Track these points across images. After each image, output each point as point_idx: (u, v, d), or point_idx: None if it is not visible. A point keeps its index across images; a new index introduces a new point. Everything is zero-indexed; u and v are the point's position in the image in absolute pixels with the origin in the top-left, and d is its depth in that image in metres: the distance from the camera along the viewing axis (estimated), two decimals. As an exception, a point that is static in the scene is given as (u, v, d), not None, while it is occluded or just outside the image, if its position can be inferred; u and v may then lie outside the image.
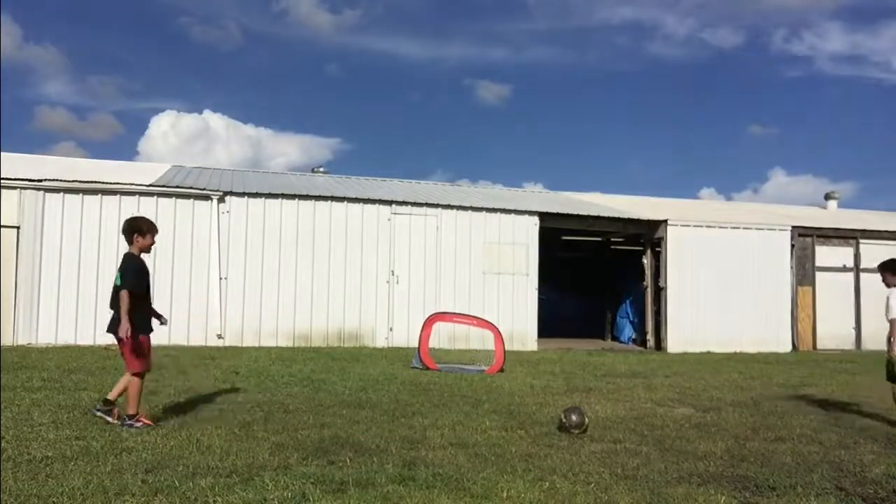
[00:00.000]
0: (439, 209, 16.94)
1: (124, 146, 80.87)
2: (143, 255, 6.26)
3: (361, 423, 6.50)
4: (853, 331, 19.69)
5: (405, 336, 15.90)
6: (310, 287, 15.82)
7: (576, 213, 18.24)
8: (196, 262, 15.15)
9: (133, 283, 6.01)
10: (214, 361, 11.50)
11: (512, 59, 71.12)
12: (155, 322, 6.38)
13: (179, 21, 67.91)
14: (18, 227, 14.31)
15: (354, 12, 72.42)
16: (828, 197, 26.17)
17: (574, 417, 6.37)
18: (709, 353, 17.38)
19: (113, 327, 6.00)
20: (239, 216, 15.57)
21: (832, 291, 19.59)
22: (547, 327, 17.96)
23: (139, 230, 6.22)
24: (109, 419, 6.02)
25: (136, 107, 70.38)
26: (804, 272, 19.48)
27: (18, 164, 15.92)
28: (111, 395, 6.17)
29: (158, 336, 14.79)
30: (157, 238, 6.43)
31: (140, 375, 6.10)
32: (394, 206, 16.63)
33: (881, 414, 7.83)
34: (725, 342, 18.04)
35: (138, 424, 5.95)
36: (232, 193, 15.64)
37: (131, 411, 6.02)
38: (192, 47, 70.32)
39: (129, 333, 5.88)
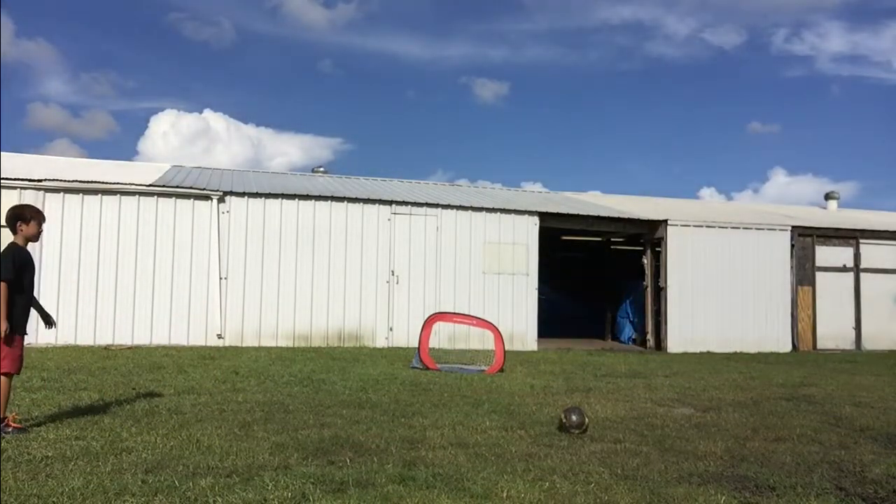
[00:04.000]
0: (439, 209, 16.94)
1: (124, 146, 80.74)
2: (29, 247, 5.77)
3: (361, 423, 6.50)
4: (853, 331, 19.69)
5: (405, 336, 15.90)
6: (310, 287, 15.82)
7: (576, 213, 18.25)
8: (196, 262, 15.15)
9: (9, 273, 5.47)
10: (214, 361, 11.50)
11: (511, 58, 71.16)
12: (45, 323, 5.95)
13: (169, 17, 67.71)
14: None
15: (349, 6, 72.39)
16: (828, 197, 26.19)
17: (574, 417, 6.37)
18: (709, 353, 17.39)
19: None
20: (239, 216, 15.57)
21: (832, 291, 19.60)
22: (547, 327, 17.95)
23: (22, 217, 5.71)
24: None
25: (135, 106, 70.36)
26: (804, 272, 19.49)
27: (18, 163, 15.92)
28: None
29: (160, 336, 14.99)
30: (44, 227, 5.90)
31: (9, 376, 5.61)
32: (394, 206, 16.63)
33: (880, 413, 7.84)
34: (725, 342, 18.06)
35: (9, 430, 5.51)
36: (232, 193, 15.65)
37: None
38: (187, 45, 70.18)
39: (5, 331, 5.40)
